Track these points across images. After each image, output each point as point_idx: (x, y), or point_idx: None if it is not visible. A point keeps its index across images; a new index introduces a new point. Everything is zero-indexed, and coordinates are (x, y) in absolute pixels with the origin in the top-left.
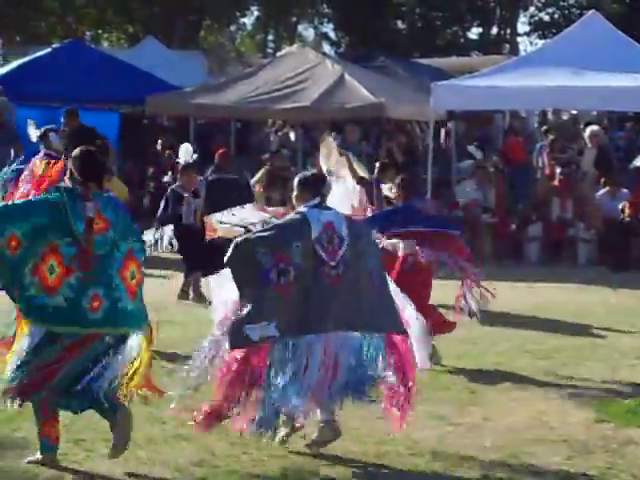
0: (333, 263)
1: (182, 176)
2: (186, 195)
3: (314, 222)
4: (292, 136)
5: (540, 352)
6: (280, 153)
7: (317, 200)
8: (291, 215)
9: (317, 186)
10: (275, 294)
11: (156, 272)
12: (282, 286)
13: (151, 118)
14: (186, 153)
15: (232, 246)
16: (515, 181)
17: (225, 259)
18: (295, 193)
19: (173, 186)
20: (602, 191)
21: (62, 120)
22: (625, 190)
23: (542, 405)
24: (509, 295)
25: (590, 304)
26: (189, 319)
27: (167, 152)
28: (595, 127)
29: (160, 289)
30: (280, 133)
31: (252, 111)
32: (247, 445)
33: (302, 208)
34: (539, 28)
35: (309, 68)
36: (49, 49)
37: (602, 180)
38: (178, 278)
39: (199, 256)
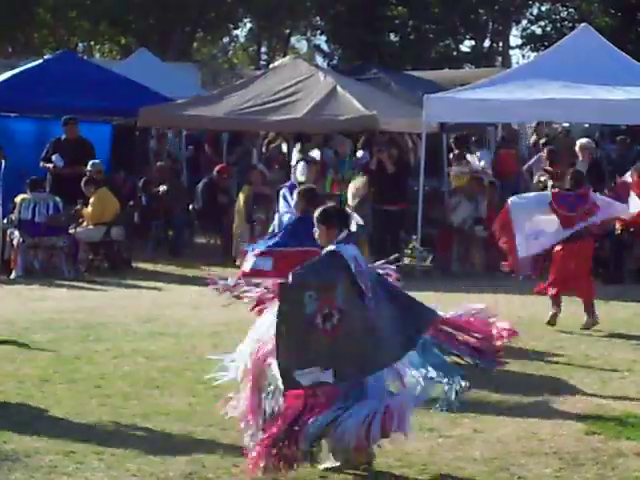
0: (370, 294)
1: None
2: None
3: (348, 257)
4: (284, 148)
5: (532, 364)
6: (257, 168)
7: (345, 234)
8: (326, 254)
9: (341, 220)
10: (322, 338)
11: (150, 284)
12: (327, 331)
13: (143, 130)
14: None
15: (282, 286)
16: (507, 193)
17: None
18: (319, 231)
19: None
20: None
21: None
22: None
23: (533, 417)
24: (501, 307)
25: (582, 316)
26: (182, 331)
27: (158, 163)
28: (585, 140)
29: (153, 301)
30: (272, 145)
31: (244, 123)
32: (237, 458)
33: (332, 246)
34: (531, 41)
35: (301, 80)
36: (41, 60)
37: None
38: (171, 290)
39: None
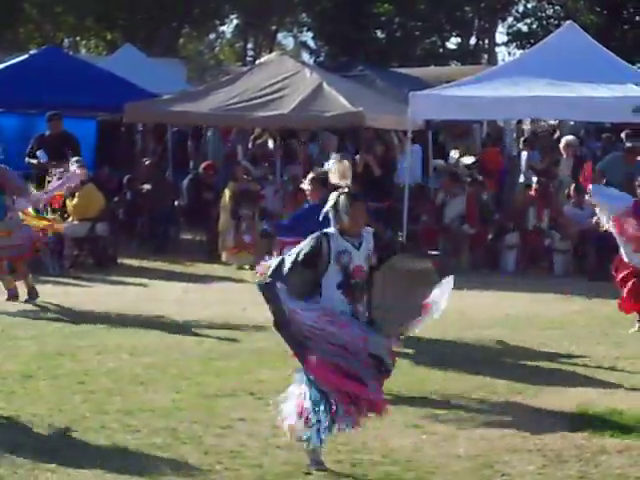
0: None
1: None
2: None
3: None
4: (270, 144)
5: (516, 361)
6: (241, 164)
7: None
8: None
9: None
10: None
11: (135, 280)
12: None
13: (129, 126)
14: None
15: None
16: (492, 190)
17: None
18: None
19: None
20: (572, 200)
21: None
22: None
23: (517, 414)
24: (485, 304)
25: (566, 313)
26: (166, 327)
27: (144, 159)
28: (570, 137)
29: (138, 297)
30: (259, 141)
31: (230, 119)
32: (220, 454)
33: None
34: (517, 38)
35: (288, 77)
36: (26, 56)
37: (568, 190)
38: (156, 287)
39: None
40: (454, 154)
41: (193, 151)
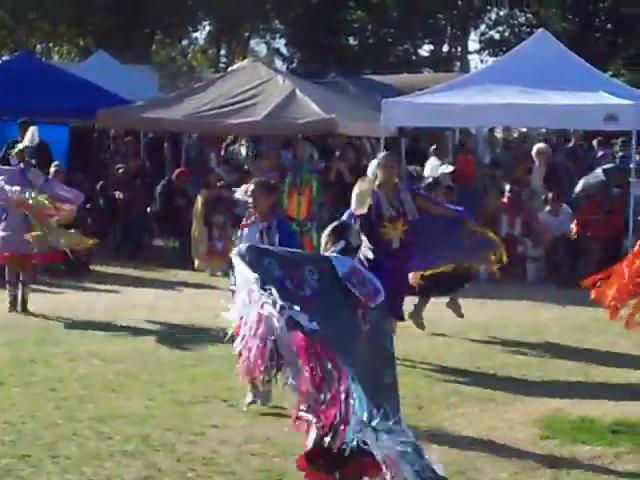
0: (373, 305)
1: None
2: None
3: (338, 263)
4: (243, 151)
5: (489, 368)
6: (214, 171)
7: (342, 245)
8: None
9: (342, 233)
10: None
11: (108, 287)
12: (301, 298)
13: (101, 132)
14: (432, 169)
15: (235, 253)
16: (465, 198)
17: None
18: (322, 244)
19: None
20: (546, 208)
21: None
22: (566, 207)
23: (489, 421)
24: (463, 310)
25: (539, 321)
26: (139, 334)
27: (117, 166)
28: (542, 145)
29: (111, 304)
30: (231, 148)
31: (203, 126)
32: (193, 461)
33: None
34: (490, 46)
35: (260, 83)
36: None
37: (545, 197)
38: (128, 293)
39: None
40: (434, 161)
41: (170, 157)
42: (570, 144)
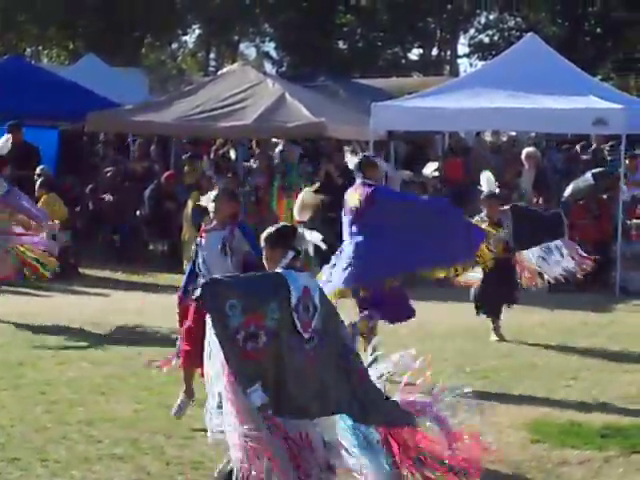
0: (307, 336)
1: (485, 206)
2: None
3: (294, 285)
4: (232, 155)
5: (478, 372)
6: (206, 175)
7: (291, 256)
8: (267, 272)
9: (287, 240)
10: (244, 360)
11: (97, 290)
12: (249, 353)
13: (91, 135)
14: (488, 182)
15: (201, 287)
16: (454, 202)
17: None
18: (264, 254)
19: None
20: None
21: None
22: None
23: (477, 424)
24: (447, 315)
25: (528, 325)
26: (127, 337)
27: (107, 169)
28: (531, 148)
29: (100, 307)
30: (221, 151)
31: (192, 129)
32: (183, 465)
33: (278, 269)
34: (479, 50)
35: (250, 87)
36: None
37: (534, 200)
38: (117, 297)
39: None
40: (432, 165)
41: (159, 160)
42: (593, 147)
